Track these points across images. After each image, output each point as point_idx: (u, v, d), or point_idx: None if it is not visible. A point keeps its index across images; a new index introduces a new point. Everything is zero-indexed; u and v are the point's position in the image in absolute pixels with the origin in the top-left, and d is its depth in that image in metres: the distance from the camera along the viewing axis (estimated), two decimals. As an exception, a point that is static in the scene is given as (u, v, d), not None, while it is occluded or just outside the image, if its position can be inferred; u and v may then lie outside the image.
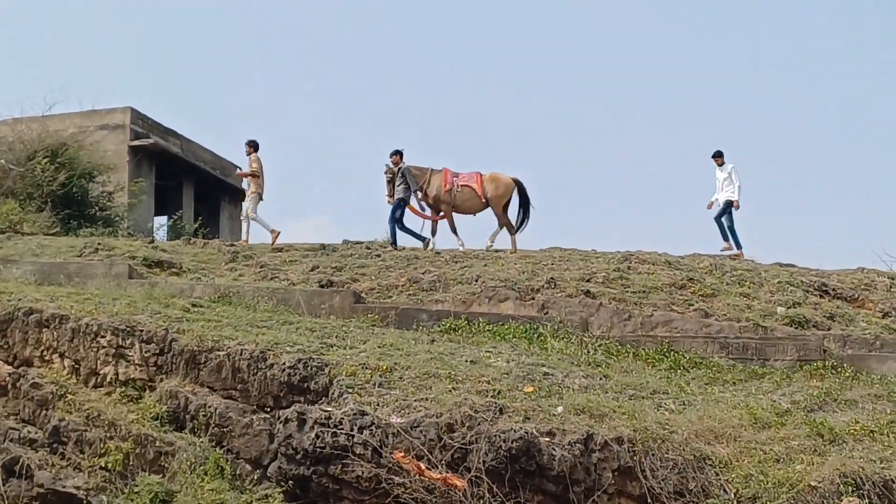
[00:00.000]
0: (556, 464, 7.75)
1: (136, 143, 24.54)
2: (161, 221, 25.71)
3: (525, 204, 17.88)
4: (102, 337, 10.48)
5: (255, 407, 9.57)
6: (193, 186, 26.61)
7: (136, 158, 23.65)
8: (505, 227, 17.63)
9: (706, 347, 11.36)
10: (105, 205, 24.06)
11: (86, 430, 9.65)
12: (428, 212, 18.03)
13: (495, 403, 8.33)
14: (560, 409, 8.37)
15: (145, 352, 10.23)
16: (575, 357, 10.36)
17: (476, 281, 13.54)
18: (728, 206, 17.65)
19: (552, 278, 13.36)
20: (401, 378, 8.99)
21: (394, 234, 17.63)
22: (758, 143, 51.19)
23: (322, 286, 13.62)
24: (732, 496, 7.62)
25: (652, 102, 59.29)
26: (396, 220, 17.64)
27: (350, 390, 8.81)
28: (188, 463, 9.12)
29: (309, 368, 9.35)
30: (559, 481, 7.82)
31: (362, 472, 8.26)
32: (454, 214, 17.92)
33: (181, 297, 12.34)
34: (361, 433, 8.33)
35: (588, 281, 13.50)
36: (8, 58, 62.58)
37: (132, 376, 10.23)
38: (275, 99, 64.83)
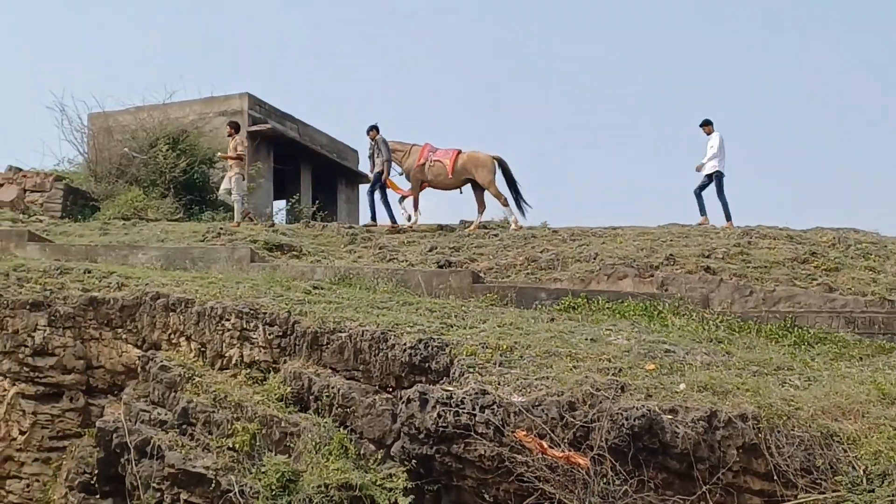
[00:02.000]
0: (679, 441, 8.42)
1: (254, 128, 26.05)
2: (280, 205, 27.32)
3: (512, 182, 19.13)
4: (227, 320, 11.72)
5: (377, 387, 10.64)
6: (311, 170, 28.11)
7: (254, 143, 25.13)
8: (484, 206, 19.13)
9: (831, 322, 11.89)
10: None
11: (213, 412, 10.84)
12: (407, 187, 19.62)
13: (616, 381, 9.05)
14: (682, 386, 9.01)
15: (269, 334, 11.40)
16: (696, 334, 11.10)
17: (594, 259, 14.51)
18: (714, 178, 18.58)
19: (671, 255, 14.21)
20: (521, 357, 9.83)
21: (372, 208, 19.57)
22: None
23: (440, 266, 14.74)
24: (861, 473, 8.12)
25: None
26: (371, 194, 19.59)
27: (471, 370, 9.70)
28: (313, 443, 10.15)
29: (430, 348, 10.30)
30: (683, 459, 8.50)
31: (485, 451, 9.11)
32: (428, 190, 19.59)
33: (302, 279, 13.58)
34: (483, 412, 9.17)
35: (708, 257, 14.29)
36: (129, 47, 66.57)
37: (256, 358, 11.44)
38: (389, 81, 67.13)
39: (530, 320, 11.48)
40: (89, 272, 13.63)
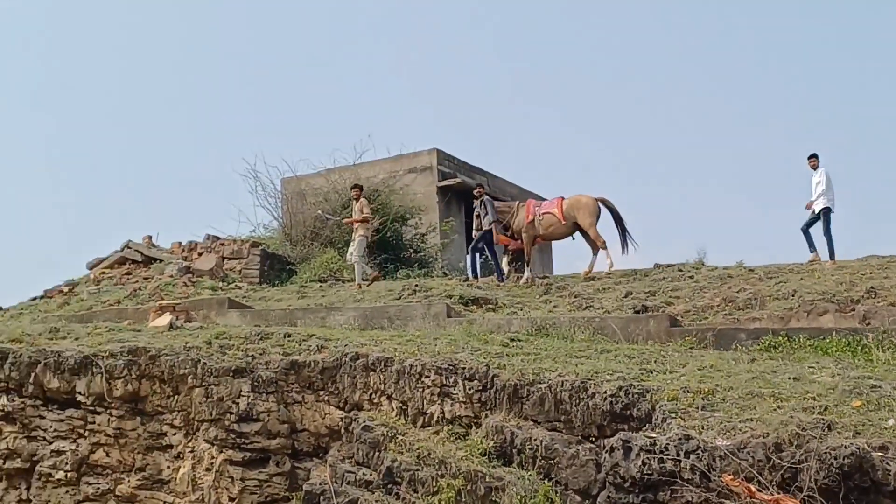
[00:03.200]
0: (891, 479, 8.57)
1: (444, 183, 27.17)
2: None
3: (619, 220, 20.41)
4: (427, 377, 12.49)
5: (579, 437, 11.15)
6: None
7: (444, 199, 26.18)
8: (597, 247, 20.36)
9: None
10: (419, 246, 26.95)
11: (417, 470, 11.51)
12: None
13: (823, 420, 9.26)
14: (891, 422, 9.11)
15: (468, 389, 12.11)
16: (902, 367, 11.10)
17: (793, 296, 14.82)
18: (822, 214, 19.18)
19: (872, 287, 14.41)
20: (723, 399, 10.18)
21: (474, 268, 21.41)
22: None
23: (637, 312, 15.26)
24: None
25: None
26: (475, 252, 21.51)
27: (673, 415, 10.09)
28: (518, 497, 10.69)
29: (630, 395, 10.77)
30: (896, 497, 8.66)
31: (691, 498, 9.45)
32: (541, 243, 21.38)
33: (499, 332, 14.29)
34: (688, 458, 9.53)
35: None
36: (319, 112, 70.09)
37: (457, 413, 12.15)
38: (575, 130, 68.56)
39: (730, 362, 11.85)
40: (289, 336, 14.65)
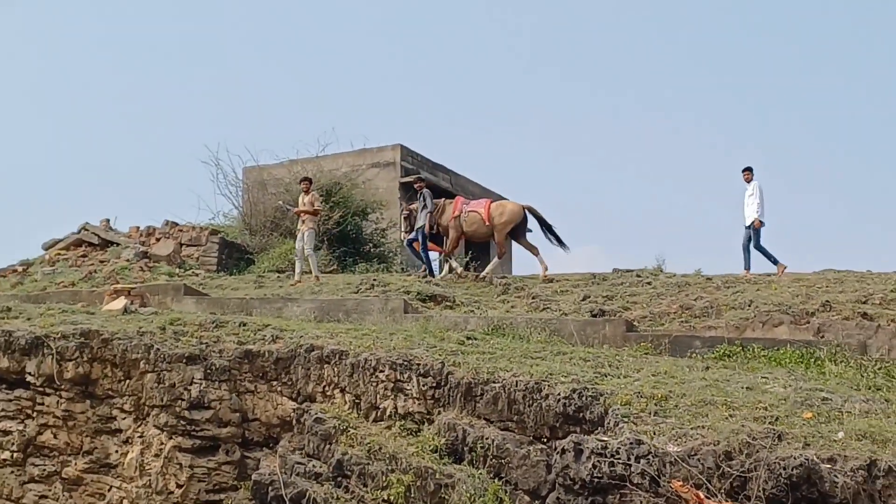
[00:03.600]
0: (838, 491, 8.68)
1: (406, 178, 27.17)
2: (433, 256, 28.26)
3: (547, 226, 20.87)
4: (381, 371, 12.47)
5: (531, 438, 11.18)
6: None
7: (406, 195, 26.28)
8: (500, 253, 21.13)
9: None
10: (379, 241, 26.94)
11: (368, 464, 11.52)
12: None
13: (773, 430, 9.35)
14: (840, 434, 9.24)
15: (422, 385, 12.10)
16: (854, 381, 11.39)
17: (749, 306, 15.00)
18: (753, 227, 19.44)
19: (827, 301, 14.63)
20: (676, 406, 10.26)
21: (421, 258, 21.39)
22: None
23: (594, 315, 15.36)
24: None
25: None
26: (411, 244, 21.61)
27: (625, 419, 10.15)
28: (468, 495, 10.71)
29: (584, 398, 10.81)
30: (842, 509, 8.75)
31: (640, 502, 9.51)
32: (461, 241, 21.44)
33: (455, 330, 14.32)
34: (638, 462, 9.58)
35: (864, 303, 14.70)
36: (283, 102, 69.98)
37: (410, 409, 12.14)
38: (540, 131, 69.03)
39: (685, 369, 11.94)
40: (244, 325, 14.59)
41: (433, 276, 20.79)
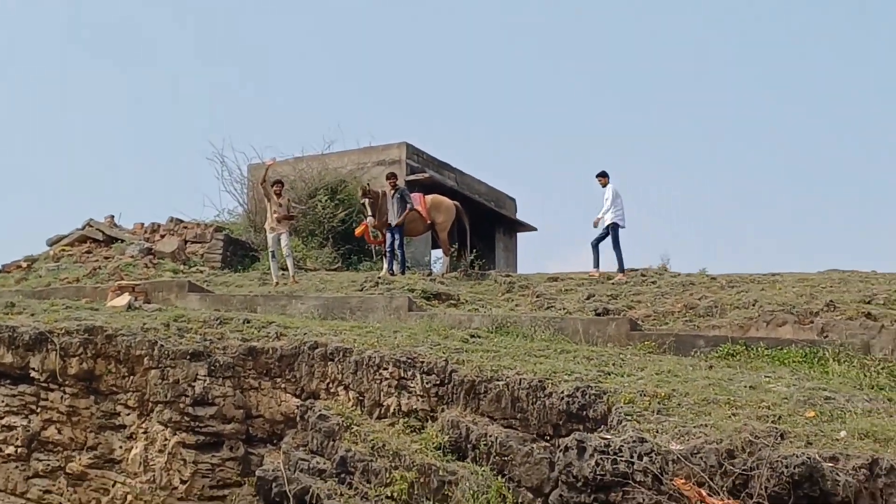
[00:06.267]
0: (840, 489, 8.69)
1: (412, 177, 27.23)
2: (437, 254, 28.32)
3: (462, 230, 21.62)
4: (385, 369, 12.51)
5: (534, 435, 11.21)
6: (469, 217, 29.40)
7: (412, 193, 26.33)
8: (447, 251, 21.60)
9: None
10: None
11: (371, 461, 11.56)
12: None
13: (776, 429, 9.37)
14: (843, 433, 9.26)
15: (426, 382, 12.15)
16: (857, 381, 11.40)
17: (753, 305, 15.03)
18: (611, 229, 19.88)
19: (831, 301, 14.64)
20: (679, 405, 10.28)
21: (403, 260, 21.26)
22: None
23: (598, 314, 15.39)
24: None
25: None
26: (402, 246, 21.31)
27: (629, 417, 10.16)
28: (471, 492, 10.75)
29: (587, 396, 10.83)
30: (844, 507, 8.78)
31: (643, 500, 9.52)
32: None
33: (459, 328, 14.36)
34: (641, 460, 9.59)
35: (868, 303, 14.72)
36: (289, 99, 70.09)
37: (414, 407, 12.17)
38: (546, 130, 69.14)
39: (688, 368, 11.97)
40: (248, 322, 14.63)
41: (397, 274, 20.66)
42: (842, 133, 72.73)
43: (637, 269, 19.61)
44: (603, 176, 20.45)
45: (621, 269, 19.54)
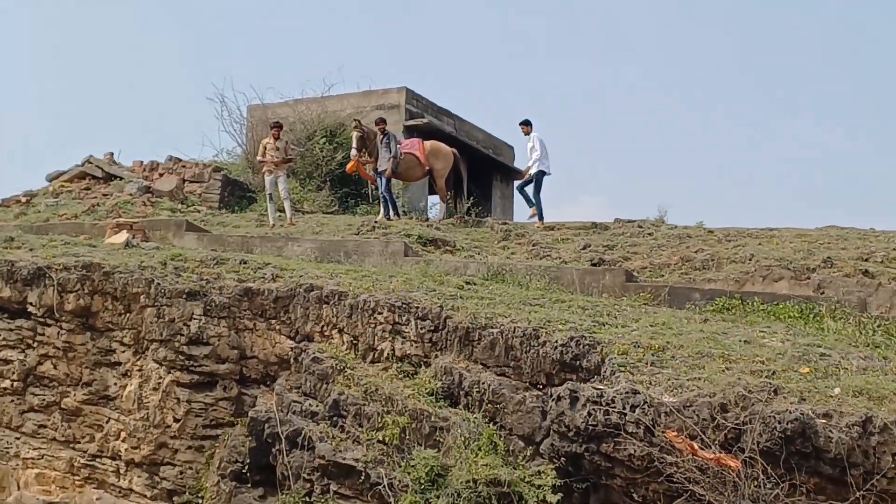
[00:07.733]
0: (832, 446, 8.68)
1: (411, 122, 27.03)
2: (434, 200, 28.13)
3: (460, 177, 21.50)
4: (380, 313, 12.43)
5: (527, 384, 11.18)
6: (466, 165, 29.26)
7: (410, 138, 26.18)
8: (444, 198, 21.69)
9: None
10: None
11: (364, 405, 11.55)
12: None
13: (770, 384, 9.35)
14: (837, 390, 9.24)
15: (420, 328, 12.07)
16: (852, 338, 11.37)
17: (750, 260, 14.98)
18: (535, 177, 20.05)
19: (829, 258, 14.61)
20: (673, 357, 10.24)
21: (394, 205, 21.26)
22: None
23: (594, 264, 15.31)
24: None
25: None
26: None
27: (622, 368, 10.14)
28: (462, 438, 10.75)
29: (581, 346, 10.78)
30: (836, 464, 8.76)
31: (634, 451, 9.54)
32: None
33: (455, 274, 14.28)
34: (634, 412, 9.60)
35: (866, 260, 14.69)
36: (290, 40, 69.43)
37: (408, 352, 12.12)
38: (547, 80, 68.64)
39: (683, 320, 11.90)
40: (245, 263, 14.50)
41: (394, 218, 20.57)
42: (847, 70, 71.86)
43: (634, 221, 19.49)
44: (526, 124, 20.45)
45: (541, 218, 19.75)
